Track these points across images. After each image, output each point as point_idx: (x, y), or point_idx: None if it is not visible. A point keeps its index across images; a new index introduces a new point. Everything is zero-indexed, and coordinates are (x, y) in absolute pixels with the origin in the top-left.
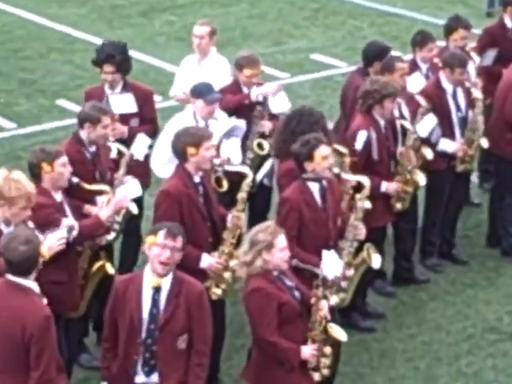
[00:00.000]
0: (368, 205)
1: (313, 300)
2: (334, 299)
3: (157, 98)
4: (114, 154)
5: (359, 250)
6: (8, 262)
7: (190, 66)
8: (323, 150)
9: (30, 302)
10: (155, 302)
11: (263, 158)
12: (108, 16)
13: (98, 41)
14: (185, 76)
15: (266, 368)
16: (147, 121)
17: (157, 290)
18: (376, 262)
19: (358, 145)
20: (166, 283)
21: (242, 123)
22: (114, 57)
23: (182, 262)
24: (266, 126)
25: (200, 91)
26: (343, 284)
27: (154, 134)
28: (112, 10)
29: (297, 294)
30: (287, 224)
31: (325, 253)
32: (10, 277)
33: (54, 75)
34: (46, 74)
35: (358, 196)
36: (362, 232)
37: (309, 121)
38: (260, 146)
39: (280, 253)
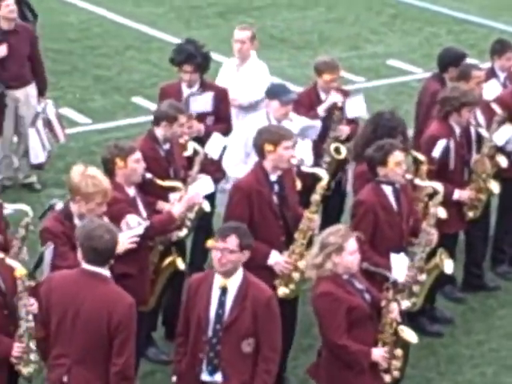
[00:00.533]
0: (442, 213)
1: (383, 303)
2: (406, 303)
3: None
4: (189, 153)
5: (431, 255)
6: (91, 249)
7: (229, 71)
8: (397, 156)
9: (114, 290)
10: (221, 302)
11: (340, 163)
12: (185, 16)
13: (175, 40)
14: (223, 81)
15: (336, 370)
16: (222, 119)
17: (223, 290)
18: (448, 267)
19: (436, 153)
20: (233, 285)
21: (317, 123)
22: (195, 57)
23: (250, 258)
24: (344, 130)
25: (276, 92)
26: (415, 288)
27: (227, 132)
28: (189, 10)
29: (367, 296)
30: (362, 226)
31: (394, 256)
32: (87, 266)
33: (130, 73)
34: (122, 72)
35: (431, 202)
36: (434, 238)
37: (388, 126)
38: (337, 150)
39: (350, 256)
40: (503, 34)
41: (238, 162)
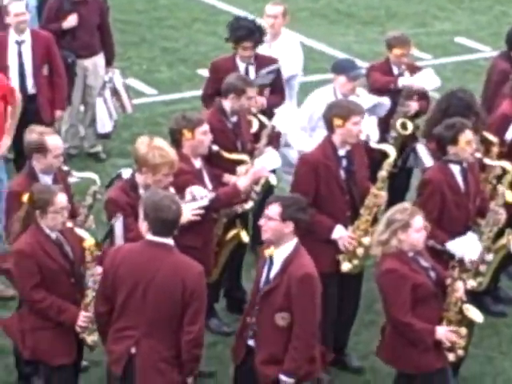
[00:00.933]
0: (510, 196)
1: (448, 281)
2: (471, 283)
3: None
4: (255, 126)
5: (499, 235)
6: (159, 220)
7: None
8: (468, 135)
9: (184, 259)
10: (267, 271)
11: (406, 139)
12: None
13: (242, 13)
14: None
15: (399, 347)
16: (277, 91)
17: (270, 259)
18: None
19: (509, 135)
20: (280, 256)
21: (386, 101)
22: (254, 33)
23: (314, 231)
24: (412, 106)
25: (343, 67)
26: (481, 268)
27: (281, 103)
28: None
29: (432, 274)
30: (429, 205)
31: (462, 237)
32: (153, 238)
33: (197, 45)
34: (189, 44)
35: (500, 183)
36: (502, 217)
37: (461, 105)
38: (404, 125)
39: (416, 233)
40: None
41: (304, 136)
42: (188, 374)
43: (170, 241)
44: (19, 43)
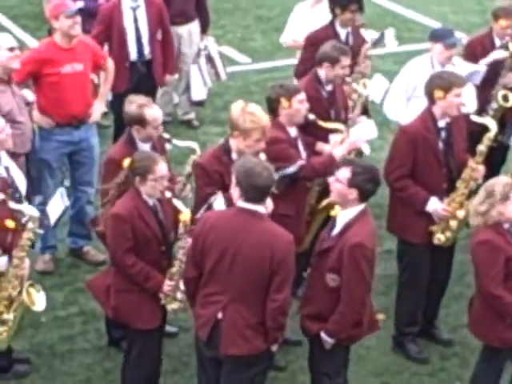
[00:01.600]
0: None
1: None
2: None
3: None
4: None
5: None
6: (251, 187)
7: (303, 11)
8: None
9: (273, 227)
10: (329, 232)
11: (506, 111)
12: None
13: None
14: (297, 21)
15: (487, 320)
16: None
17: (334, 220)
18: None
19: None
20: (342, 218)
21: (481, 67)
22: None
23: (409, 202)
24: None
25: (440, 35)
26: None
27: None
28: None
29: None
30: None
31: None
32: (244, 205)
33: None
34: (283, 12)
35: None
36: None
37: None
38: (505, 97)
39: None
40: None
41: (399, 106)
42: (272, 341)
43: (261, 208)
44: (134, 9)
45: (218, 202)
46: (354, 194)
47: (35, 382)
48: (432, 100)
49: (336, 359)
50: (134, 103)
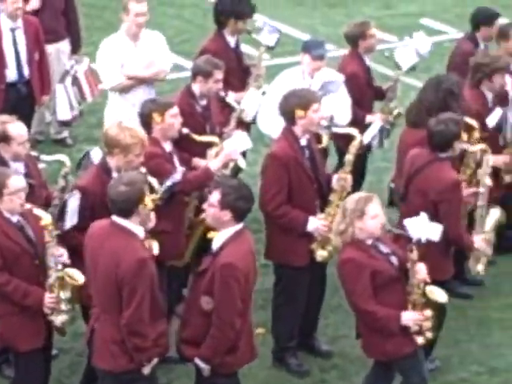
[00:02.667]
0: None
1: (409, 264)
2: (480, 267)
3: (265, 56)
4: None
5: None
6: (109, 200)
7: (124, 46)
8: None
9: (127, 244)
10: (208, 254)
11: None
12: None
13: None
14: (118, 57)
15: (367, 336)
16: None
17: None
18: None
19: (491, 121)
20: (217, 241)
21: (339, 77)
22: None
23: (290, 227)
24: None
25: (308, 46)
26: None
27: None
28: None
29: (394, 259)
30: None
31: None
32: (114, 218)
33: (162, 29)
34: (154, 28)
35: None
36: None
37: (445, 90)
38: (391, 111)
39: (372, 220)
40: None
41: (272, 120)
42: (137, 363)
43: (128, 223)
44: (13, 30)
45: (72, 201)
46: (227, 215)
47: None
48: (292, 120)
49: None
50: None
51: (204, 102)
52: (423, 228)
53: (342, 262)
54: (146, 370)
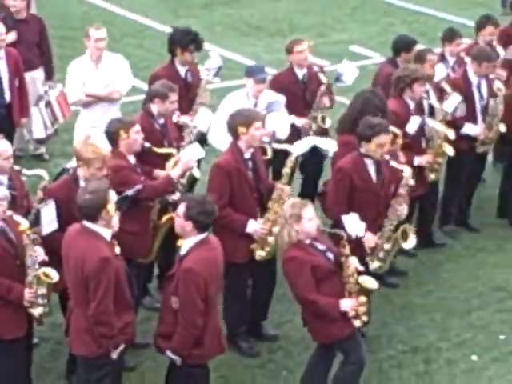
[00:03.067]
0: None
1: (342, 258)
2: (376, 264)
3: (216, 79)
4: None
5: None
6: (77, 206)
7: (86, 69)
8: (381, 139)
9: (92, 245)
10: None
11: (324, 131)
12: (173, 6)
13: (166, 29)
14: (81, 79)
15: (312, 322)
16: None
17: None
18: (410, 243)
19: (410, 128)
20: (184, 248)
21: (281, 98)
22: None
23: (231, 227)
24: (326, 102)
25: (251, 71)
26: (381, 254)
27: None
28: (176, 1)
29: (330, 255)
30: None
31: (345, 217)
32: (83, 221)
33: (127, 57)
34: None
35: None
36: (402, 212)
37: (373, 104)
38: (323, 119)
39: (308, 222)
40: (450, 23)
41: (222, 135)
42: (105, 349)
43: (95, 226)
44: None
45: (46, 210)
46: (190, 225)
47: None
48: (236, 136)
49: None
50: None
51: (162, 121)
52: (355, 225)
53: (285, 261)
54: (114, 355)
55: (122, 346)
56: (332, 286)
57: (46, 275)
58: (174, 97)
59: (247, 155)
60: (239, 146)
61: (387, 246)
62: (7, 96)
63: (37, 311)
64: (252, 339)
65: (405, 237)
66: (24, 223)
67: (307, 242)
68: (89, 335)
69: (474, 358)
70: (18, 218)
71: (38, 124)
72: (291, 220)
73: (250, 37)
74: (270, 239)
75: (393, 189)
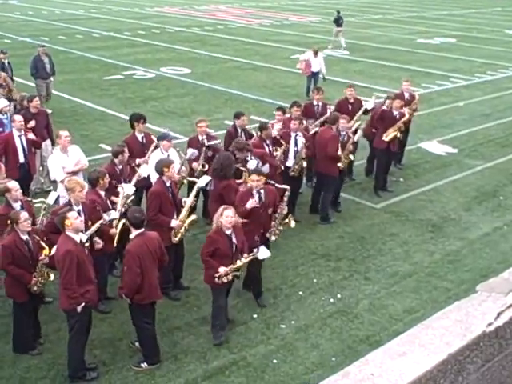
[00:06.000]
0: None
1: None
2: (273, 238)
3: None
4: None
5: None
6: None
7: (60, 158)
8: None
9: (62, 242)
10: None
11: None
12: (123, 102)
13: (121, 115)
14: (60, 164)
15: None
16: None
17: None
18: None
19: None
20: (131, 238)
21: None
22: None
23: (161, 224)
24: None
25: (163, 137)
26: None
27: None
28: (125, 99)
29: (234, 240)
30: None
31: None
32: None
33: (96, 133)
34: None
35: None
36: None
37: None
38: (203, 165)
39: (226, 218)
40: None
41: (153, 174)
42: (71, 304)
43: (69, 232)
44: (20, 136)
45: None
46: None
47: None
48: (161, 173)
49: (138, 314)
50: (1, 184)
51: (120, 167)
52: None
53: (208, 236)
54: (78, 309)
55: (83, 304)
56: (223, 262)
57: (47, 272)
58: (126, 153)
59: (168, 184)
60: (163, 179)
61: (280, 228)
62: (27, 158)
63: (35, 290)
64: (176, 290)
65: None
66: (46, 248)
67: (228, 232)
68: (63, 296)
69: (300, 293)
70: (41, 243)
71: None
72: (217, 217)
73: (168, 117)
74: (182, 230)
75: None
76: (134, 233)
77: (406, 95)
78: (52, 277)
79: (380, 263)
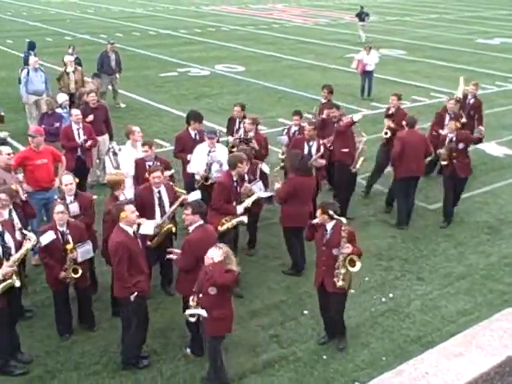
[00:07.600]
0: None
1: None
2: (340, 283)
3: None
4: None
5: None
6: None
7: (132, 152)
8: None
9: (115, 235)
10: None
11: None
12: (177, 99)
13: (174, 111)
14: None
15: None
16: None
17: None
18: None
19: None
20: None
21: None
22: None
23: (225, 213)
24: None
25: (209, 132)
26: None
27: None
28: (180, 96)
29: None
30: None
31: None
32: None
33: (151, 128)
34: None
35: None
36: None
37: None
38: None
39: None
40: None
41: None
42: (124, 293)
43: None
44: (78, 129)
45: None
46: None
47: None
48: (235, 167)
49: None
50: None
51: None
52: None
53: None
54: (132, 298)
55: (135, 293)
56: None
57: (75, 270)
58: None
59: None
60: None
61: (342, 270)
62: (83, 152)
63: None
64: None
65: (352, 264)
66: (70, 243)
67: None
68: (118, 285)
69: (352, 291)
70: (69, 237)
71: (109, 165)
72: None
73: (221, 115)
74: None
75: None
76: (193, 225)
77: (472, 100)
78: (79, 273)
79: (433, 264)
